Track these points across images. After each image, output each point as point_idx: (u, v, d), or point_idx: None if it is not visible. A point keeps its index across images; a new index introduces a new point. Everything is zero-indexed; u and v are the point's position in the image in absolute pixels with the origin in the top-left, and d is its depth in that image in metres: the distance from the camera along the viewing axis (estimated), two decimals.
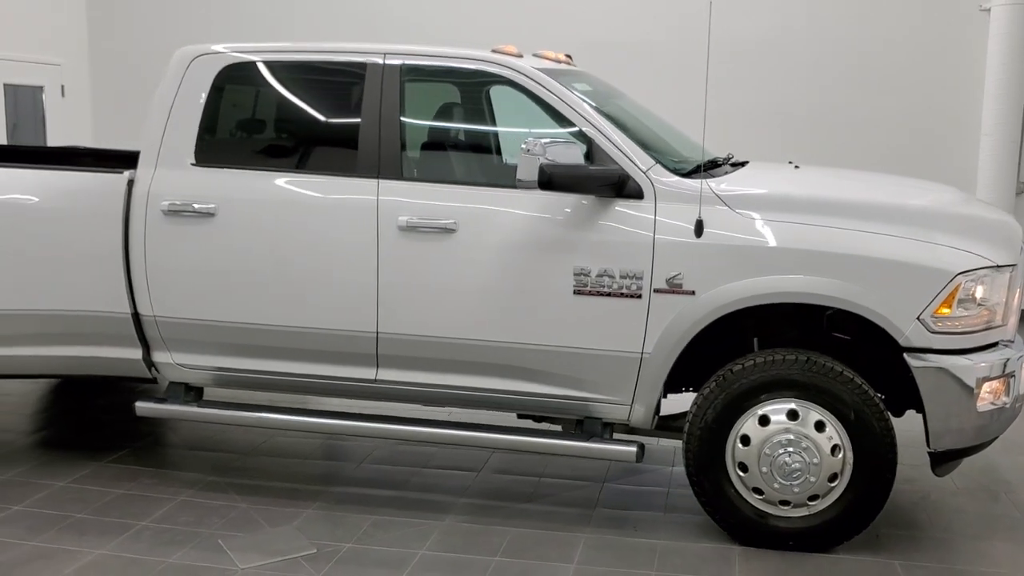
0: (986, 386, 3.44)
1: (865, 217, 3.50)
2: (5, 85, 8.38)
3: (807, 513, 3.53)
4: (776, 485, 3.50)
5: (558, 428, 3.94)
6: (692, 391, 3.88)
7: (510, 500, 4.03)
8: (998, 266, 3.45)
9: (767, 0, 7.95)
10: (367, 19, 8.51)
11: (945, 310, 3.37)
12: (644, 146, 3.72)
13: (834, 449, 3.47)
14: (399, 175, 3.78)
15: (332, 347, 3.83)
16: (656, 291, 3.52)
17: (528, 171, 3.43)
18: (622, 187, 3.56)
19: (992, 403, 3.48)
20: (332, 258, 3.78)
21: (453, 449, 4.58)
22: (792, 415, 3.49)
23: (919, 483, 4.23)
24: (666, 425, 3.90)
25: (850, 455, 3.46)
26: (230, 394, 4.36)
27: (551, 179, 3.45)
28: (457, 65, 3.92)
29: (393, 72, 3.84)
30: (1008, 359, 3.51)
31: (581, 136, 3.67)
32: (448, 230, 3.67)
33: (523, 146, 3.43)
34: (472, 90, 4.35)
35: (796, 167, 4.33)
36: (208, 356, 3.98)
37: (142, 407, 4.09)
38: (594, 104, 3.79)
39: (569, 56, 4.37)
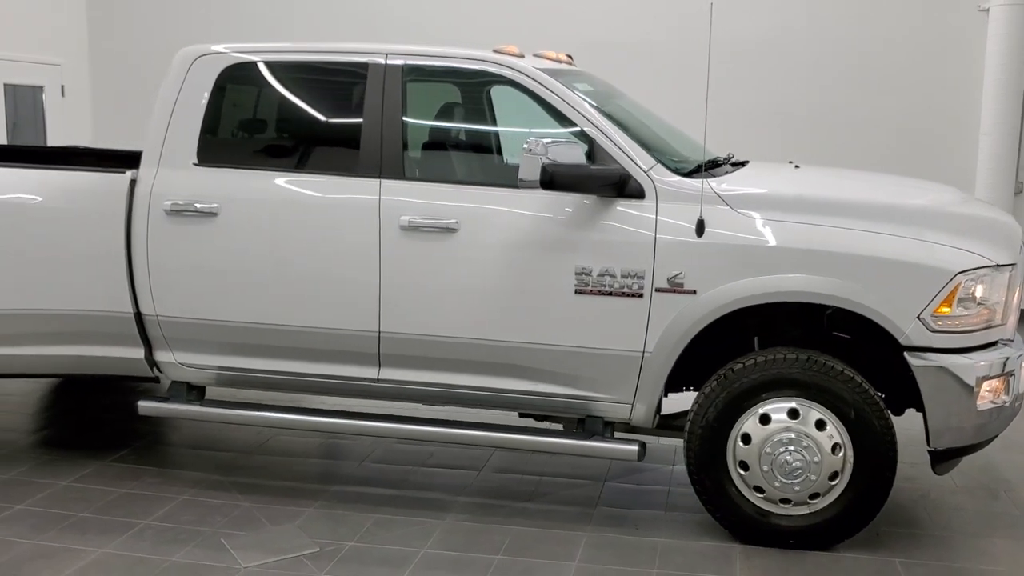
0: (986, 385, 3.46)
1: (865, 217, 3.52)
2: (5, 85, 8.39)
3: (808, 511, 3.54)
4: (777, 483, 3.51)
5: (559, 427, 3.95)
6: (693, 390, 3.89)
7: (511, 499, 4.05)
8: (998, 265, 3.47)
9: (767, 0, 7.96)
10: (367, 19, 8.52)
11: (945, 309, 3.39)
12: (645, 146, 3.73)
13: (835, 448, 3.48)
14: (401, 175, 3.79)
15: (334, 346, 3.84)
16: (657, 290, 3.53)
17: (530, 171, 3.44)
18: (623, 187, 3.57)
19: (992, 402, 3.50)
20: (334, 257, 3.79)
21: (454, 448, 4.59)
22: (793, 414, 3.50)
23: (919, 481, 4.24)
24: (667, 424, 3.92)
25: (850, 453, 3.47)
26: (232, 393, 4.37)
27: (553, 179, 3.46)
28: (459, 65, 3.93)
29: (395, 72, 3.85)
30: (1008, 358, 3.53)
31: (582, 136, 3.68)
32: (450, 230, 3.68)
33: (525, 146, 3.44)
34: (473, 90, 4.36)
35: (796, 167, 4.35)
36: (210, 355, 3.99)
37: (145, 406, 4.10)
38: (595, 104, 3.81)
39: (570, 56, 4.38)
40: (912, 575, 3.41)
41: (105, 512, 3.84)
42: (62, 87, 9.04)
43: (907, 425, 3.81)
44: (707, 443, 3.56)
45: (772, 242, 3.49)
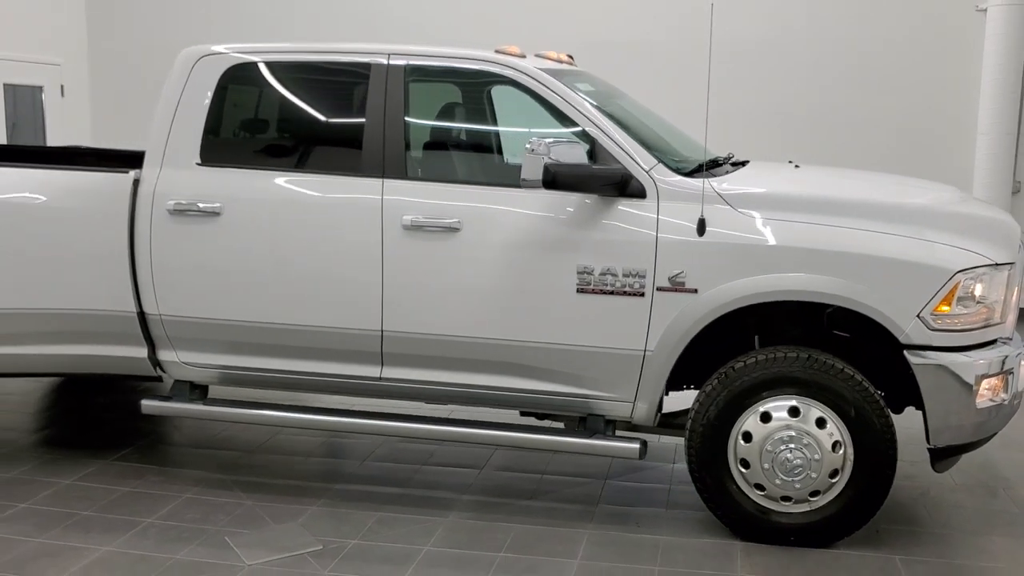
0: (985, 383, 3.48)
1: (865, 216, 3.54)
2: (5, 85, 8.39)
3: (808, 509, 3.56)
4: (778, 481, 3.53)
5: (561, 425, 3.97)
6: (694, 389, 3.91)
7: (513, 497, 4.06)
8: (997, 264, 3.49)
9: (767, 0, 7.98)
10: (367, 19, 8.54)
11: (945, 308, 3.41)
12: (646, 146, 3.75)
13: (835, 445, 3.50)
14: (403, 175, 3.81)
15: (337, 345, 3.86)
16: (659, 289, 3.55)
17: (532, 170, 3.45)
18: (625, 186, 3.59)
19: (991, 400, 3.52)
20: (337, 257, 3.81)
21: (455, 446, 4.61)
22: (793, 412, 3.52)
23: (918, 479, 4.27)
24: (668, 422, 3.94)
25: (851, 451, 3.50)
26: (235, 392, 4.39)
27: (555, 178, 3.48)
28: (461, 65, 3.95)
29: (397, 72, 3.87)
30: (1006, 356, 3.55)
31: (584, 136, 3.70)
32: (452, 229, 3.70)
33: (527, 146, 3.46)
34: (475, 90, 4.38)
35: (796, 167, 4.37)
36: (213, 354, 4.01)
37: (148, 405, 4.11)
38: (597, 104, 3.82)
39: (571, 56, 4.40)
40: (912, 572, 3.43)
41: (108, 511, 3.85)
42: (62, 87, 9.05)
43: (907, 423, 3.83)
44: (708, 441, 3.58)
45: (773, 241, 3.51)
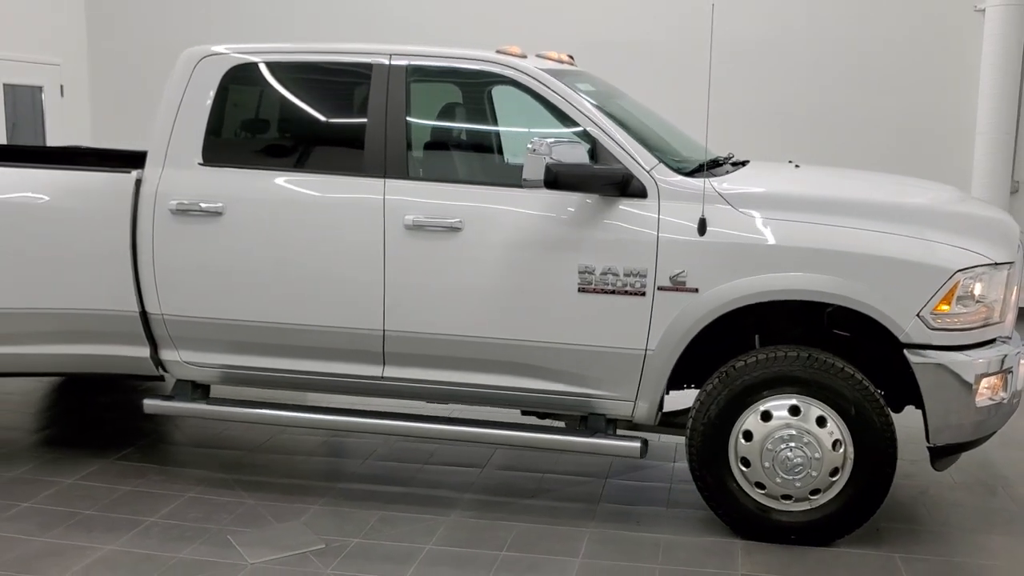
0: (984, 382, 3.50)
1: (865, 216, 3.55)
2: (4, 85, 8.40)
3: (809, 507, 3.58)
4: (778, 480, 3.55)
5: (562, 424, 3.99)
6: (694, 388, 3.92)
7: (515, 496, 4.07)
8: (996, 264, 3.50)
9: (767, 0, 8.00)
10: (367, 19, 8.54)
11: (944, 307, 3.43)
12: (647, 146, 3.76)
13: (835, 444, 3.52)
14: (405, 174, 3.82)
15: (339, 344, 3.87)
16: (660, 289, 3.56)
17: (534, 170, 3.47)
18: (626, 186, 3.60)
19: (990, 398, 3.54)
20: (338, 256, 3.82)
21: (457, 445, 4.62)
22: (794, 411, 3.54)
23: (918, 478, 4.28)
24: (669, 421, 3.95)
25: (851, 450, 3.51)
26: (237, 391, 4.40)
27: (557, 178, 3.49)
28: (462, 66, 3.96)
29: (399, 72, 3.88)
30: (1006, 355, 3.56)
31: (585, 136, 3.71)
32: (454, 229, 3.71)
33: (529, 146, 3.47)
34: (476, 90, 4.39)
35: (796, 166, 4.39)
36: (215, 354, 4.02)
37: (150, 404, 4.12)
38: (597, 104, 3.84)
39: (571, 57, 4.41)
40: (912, 570, 3.45)
41: (111, 509, 3.86)
42: (61, 87, 9.05)
43: (906, 422, 3.84)
44: (709, 440, 3.59)
45: (773, 241, 3.52)
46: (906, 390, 3.64)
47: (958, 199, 3.97)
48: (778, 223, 3.54)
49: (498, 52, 3.91)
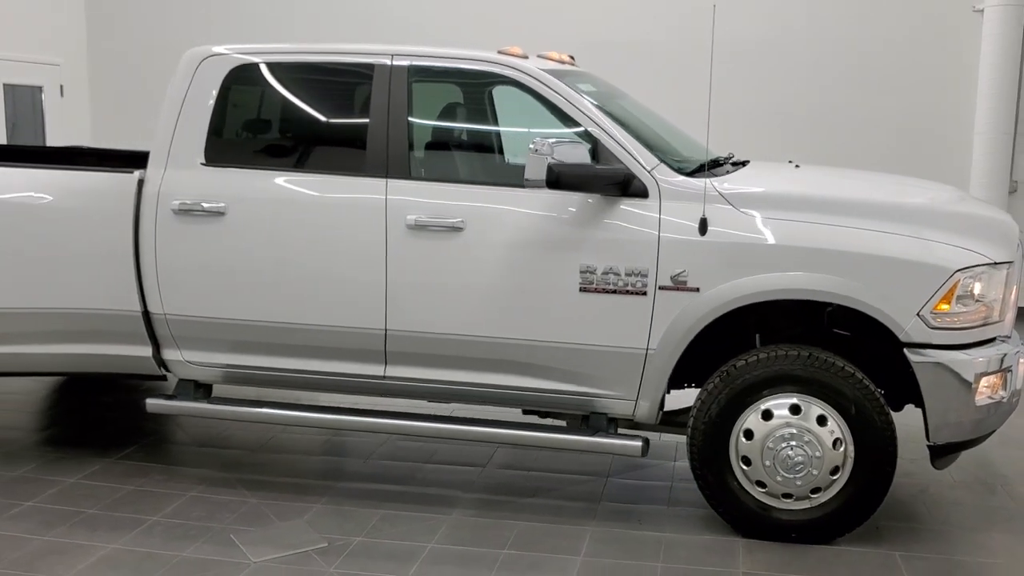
0: (984, 381, 3.52)
1: (866, 215, 3.57)
2: (4, 85, 8.41)
3: (809, 506, 3.59)
4: (779, 478, 3.56)
5: (563, 423, 4.00)
6: (695, 387, 3.94)
7: (516, 494, 4.09)
8: (996, 263, 3.52)
9: (767, 0, 8.01)
10: (367, 19, 8.55)
11: (944, 306, 3.44)
12: (648, 146, 3.77)
13: (835, 443, 3.53)
14: (407, 174, 3.83)
15: (341, 344, 3.88)
16: (661, 288, 3.58)
17: (536, 170, 3.48)
18: (627, 186, 3.62)
19: (990, 397, 3.55)
20: (340, 256, 3.83)
21: (458, 444, 4.63)
22: (794, 410, 3.55)
23: (918, 477, 4.30)
24: (670, 420, 3.96)
25: (851, 449, 3.53)
26: (239, 391, 4.41)
27: (559, 178, 3.51)
28: (464, 66, 3.97)
29: (400, 73, 3.89)
30: (1005, 354, 3.58)
31: (586, 136, 3.72)
32: (456, 229, 3.73)
33: (531, 146, 3.48)
34: (477, 91, 4.40)
35: (796, 166, 4.41)
36: (218, 353, 4.03)
37: (153, 403, 4.13)
38: (598, 104, 3.85)
39: (572, 57, 4.43)
40: (912, 568, 3.47)
41: (114, 509, 3.87)
42: (61, 87, 9.06)
43: (906, 421, 3.86)
44: (710, 439, 3.61)
45: (774, 240, 3.53)
46: (906, 389, 3.66)
47: (958, 199, 3.99)
48: (779, 223, 3.56)
49: (499, 53, 3.93)
